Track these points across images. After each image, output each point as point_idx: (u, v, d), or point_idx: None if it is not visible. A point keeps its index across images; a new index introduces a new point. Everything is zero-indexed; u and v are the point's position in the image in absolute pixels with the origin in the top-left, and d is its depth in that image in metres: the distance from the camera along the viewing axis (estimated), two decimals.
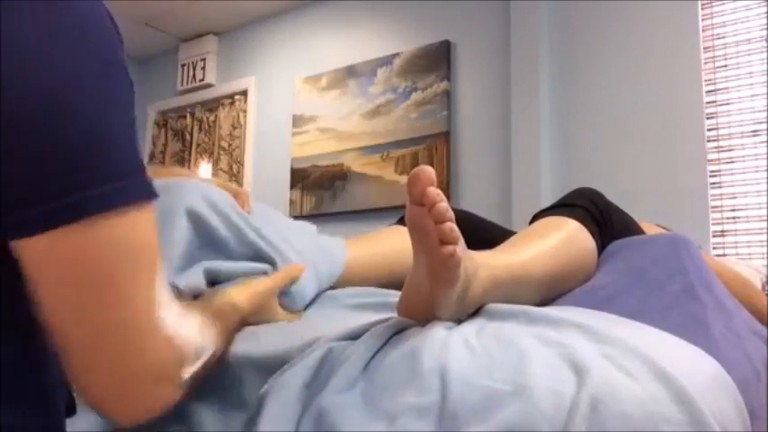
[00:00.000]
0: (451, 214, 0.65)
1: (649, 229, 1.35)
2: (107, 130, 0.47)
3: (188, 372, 0.55)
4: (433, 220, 0.64)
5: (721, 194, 2.62)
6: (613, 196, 1.18)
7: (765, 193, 2.50)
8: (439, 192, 0.65)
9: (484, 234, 1.18)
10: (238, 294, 0.81)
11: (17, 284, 0.48)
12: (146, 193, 0.50)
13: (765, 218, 2.49)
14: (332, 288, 1.04)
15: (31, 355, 0.51)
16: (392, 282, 1.07)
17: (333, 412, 0.59)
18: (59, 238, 0.45)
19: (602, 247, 1.05)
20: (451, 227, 0.64)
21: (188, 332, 0.55)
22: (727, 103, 2.65)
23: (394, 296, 0.79)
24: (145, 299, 0.50)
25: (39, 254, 0.46)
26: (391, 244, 1.12)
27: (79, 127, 0.46)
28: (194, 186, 0.95)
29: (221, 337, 0.64)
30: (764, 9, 2.59)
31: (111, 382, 0.50)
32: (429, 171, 0.65)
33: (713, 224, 2.61)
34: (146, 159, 4.69)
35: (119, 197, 0.47)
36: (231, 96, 4.34)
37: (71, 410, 0.59)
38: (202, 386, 0.63)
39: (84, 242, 0.46)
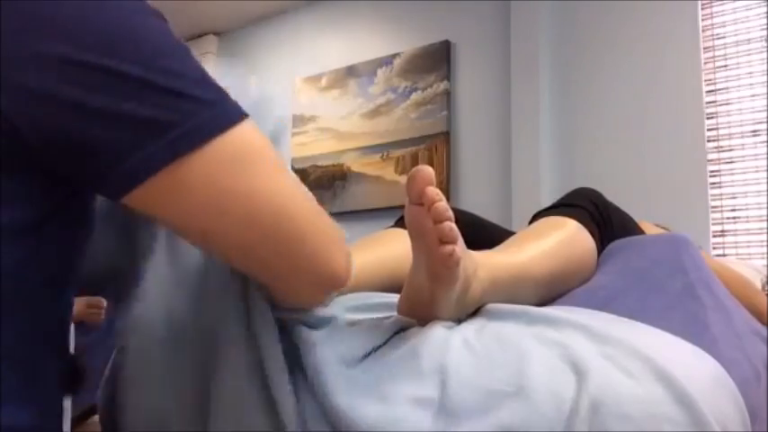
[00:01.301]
0: (451, 214, 0.65)
1: (649, 229, 1.35)
2: (178, 65, 0.50)
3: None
4: (432, 219, 0.64)
5: (721, 194, 2.62)
6: (613, 196, 1.18)
7: (765, 193, 2.50)
8: (438, 191, 0.65)
9: (484, 234, 1.18)
10: None
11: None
12: (236, 114, 0.53)
13: (765, 218, 2.49)
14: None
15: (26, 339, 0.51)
16: (393, 287, 1.06)
17: (327, 376, 0.60)
18: (180, 171, 0.48)
19: (601, 247, 1.05)
20: (451, 226, 0.64)
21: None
22: (727, 103, 2.65)
23: (394, 297, 0.79)
24: (293, 187, 0.54)
25: (165, 195, 0.49)
26: (390, 248, 1.12)
27: (150, 64, 0.48)
28: None
29: None
30: (764, 9, 2.59)
31: (309, 264, 0.55)
32: (428, 171, 0.65)
33: (713, 224, 2.62)
34: None
35: (220, 119, 0.50)
36: None
37: (76, 386, 0.60)
38: None
39: (206, 163, 0.49)
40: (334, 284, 0.58)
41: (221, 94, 0.53)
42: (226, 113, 0.52)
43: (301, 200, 0.55)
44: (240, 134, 0.52)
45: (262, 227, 0.52)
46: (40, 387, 0.52)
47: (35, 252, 0.50)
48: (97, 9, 0.48)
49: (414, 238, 0.69)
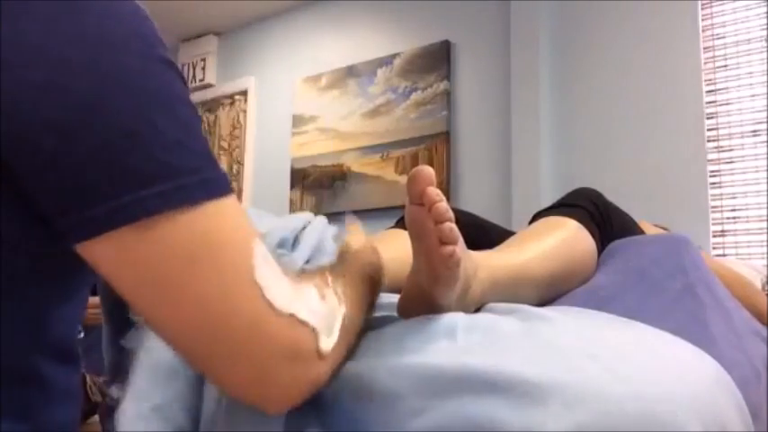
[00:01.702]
0: (451, 214, 0.65)
1: (649, 229, 1.36)
2: (150, 127, 0.45)
3: (327, 343, 0.52)
4: (432, 219, 0.64)
5: (721, 194, 2.62)
6: (613, 196, 1.18)
7: (765, 193, 2.50)
8: (438, 191, 0.65)
9: (484, 234, 1.18)
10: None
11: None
12: (212, 188, 0.47)
13: (765, 218, 2.49)
14: None
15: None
16: (392, 288, 1.06)
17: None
18: (124, 240, 0.44)
19: (601, 247, 1.05)
20: (451, 227, 0.64)
21: (309, 303, 0.51)
22: (727, 103, 2.65)
23: (393, 297, 0.79)
24: (244, 288, 0.47)
25: (107, 256, 0.45)
26: (390, 250, 1.12)
27: (118, 126, 0.44)
28: None
29: (352, 292, 0.61)
30: (764, 9, 2.59)
31: (244, 371, 0.48)
32: (428, 171, 0.65)
33: (713, 224, 2.61)
34: None
35: (177, 195, 0.45)
36: (231, 96, 4.34)
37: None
38: None
39: (153, 242, 0.45)
40: (270, 405, 0.52)
41: (209, 160, 0.48)
42: (206, 184, 0.47)
43: (256, 308, 0.48)
44: (213, 214, 0.47)
45: (197, 327, 0.47)
46: (44, 396, 0.51)
47: (37, 264, 0.49)
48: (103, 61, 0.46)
49: (414, 238, 0.69)
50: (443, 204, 0.64)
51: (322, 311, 0.53)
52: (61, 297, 0.52)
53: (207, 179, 0.47)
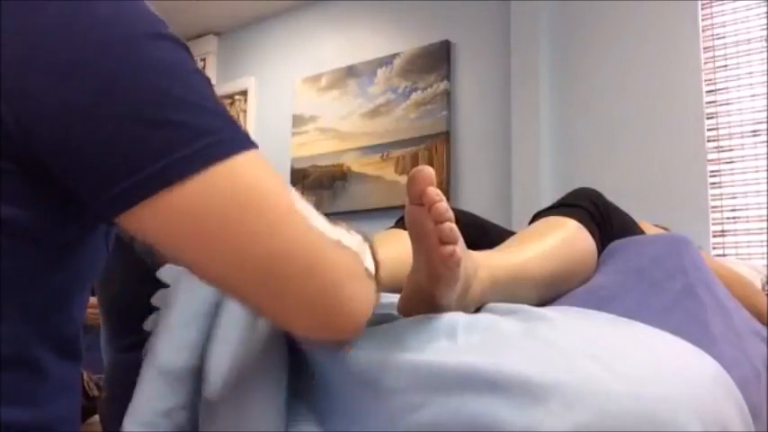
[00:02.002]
0: (451, 214, 0.65)
1: (649, 229, 1.35)
2: (168, 96, 0.48)
3: (369, 262, 0.57)
4: (432, 219, 0.64)
5: (721, 194, 2.62)
6: (613, 196, 1.18)
7: (765, 193, 2.50)
8: (438, 191, 0.65)
9: (484, 234, 1.18)
10: None
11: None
12: (239, 142, 0.50)
13: (765, 218, 2.49)
14: None
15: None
16: (393, 288, 1.06)
17: None
18: (170, 200, 0.46)
19: (601, 247, 1.05)
20: (451, 227, 0.64)
21: (342, 232, 0.55)
22: (727, 103, 2.65)
23: (393, 297, 0.79)
24: (291, 219, 0.50)
25: (157, 220, 0.47)
26: (390, 249, 1.12)
27: (139, 99, 0.47)
28: None
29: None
30: (764, 9, 2.59)
31: (313, 299, 0.50)
32: (428, 171, 0.65)
33: (713, 224, 2.62)
34: None
35: (210, 151, 0.48)
36: (231, 96, 4.34)
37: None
38: None
39: (199, 196, 0.47)
40: (347, 326, 0.55)
41: (228, 120, 0.51)
42: (229, 141, 0.49)
43: (306, 234, 0.51)
44: (242, 164, 0.49)
45: (254, 269, 0.49)
46: (44, 388, 0.52)
47: (39, 255, 0.50)
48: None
49: (414, 238, 0.69)
50: (443, 204, 0.64)
51: (355, 240, 0.57)
52: (66, 291, 0.53)
53: (232, 135, 0.50)
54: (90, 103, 0.46)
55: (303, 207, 0.52)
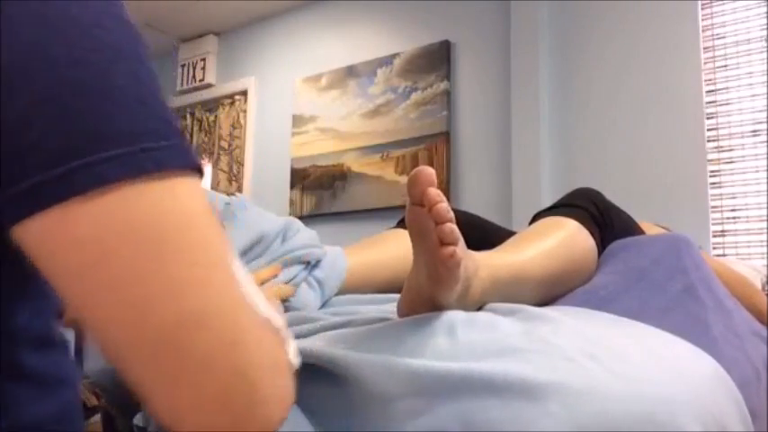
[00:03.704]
0: (452, 215, 0.65)
1: (649, 229, 1.35)
2: (104, 80, 0.37)
3: (294, 353, 0.43)
4: (433, 220, 0.64)
5: (721, 194, 2.62)
6: (613, 196, 1.18)
7: (765, 193, 2.50)
8: (439, 192, 0.65)
9: (484, 234, 1.18)
10: None
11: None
12: (182, 158, 0.38)
13: (765, 218, 2.49)
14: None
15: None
16: (393, 288, 1.07)
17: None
18: (71, 215, 0.35)
19: (602, 247, 1.05)
20: (452, 227, 0.64)
21: (273, 309, 0.42)
22: (727, 103, 2.65)
23: (394, 298, 0.80)
24: (222, 280, 0.37)
25: (49, 237, 0.35)
26: (391, 249, 1.12)
27: (66, 77, 0.36)
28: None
29: None
30: (764, 9, 2.59)
31: (223, 383, 0.36)
32: (429, 171, 0.65)
33: (713, 224, 2.62)
34: None
35: (140, 160, 0.36)
36: (231, 96, 4.34)
37: None
38: None
39: (110, 217, 0.35)
40: (262, 428, 0.38)
41: (176, 130, 0.39)
42: (172, 154, 0.37)
43: (232, 303, 0.38)
44: (179, 189, 0.37)
45: (153, 333, 0.35)
46: (22, 387, 0.43)
47: None
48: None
49: (414, 238, 0.69)
50: (444, 205, 0.64)
51: (282, 323, 0.43)
52: (21, 292, 0.43)
53: (176, 146, 0.38)
54: (9, 71, 0.35)
55: (238, 268, 0.39)
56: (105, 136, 0.35)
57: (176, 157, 0.37)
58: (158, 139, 0.37)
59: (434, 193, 0.64)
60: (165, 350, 0.35)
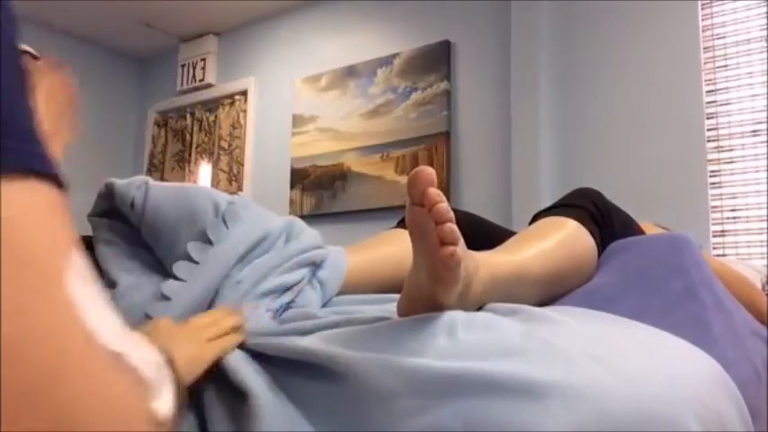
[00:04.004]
0: (452, 215, 0.65)
1: (649, 229, 1.35)
2: None
3: (166, 400, 0.37)
4: (433, 220, 0.64)
5: (721, 194, 2.62)
6: (613, 196, 1.18)
7: (765, 193, 2.50)
8: (439, 192, 0.65)
9: (484, 234, 1.18)
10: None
11: None
12: (16, 158, 0.31)
13: (765, 218, 2.49)
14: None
15: None
16: (393, 288, 1.07)
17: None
18: None
19: (602, 247, 1.05)
20: (452, 227, 0.64)
21: (140, 348, 0.35)
22: (727, 103, 2.65)
23: (394, 298, 0.80)
24: (51, 303, 0.30)
25: None
26: (391, 249, 1.12)
27: None
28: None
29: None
30: (764, 9, 2.59)
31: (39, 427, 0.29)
32: (429, 171, 0.65)
33: (713, 224, 2.62)
34: (146, 159, 4.70)
35: None
36: (231, 96, 4.34)
37: None
38: None
39: None
40: None
41: (17, 129, 0.32)
42: (19, 153, 0.30)
43: (59, 328, 0.30)
44: (13, 193, 0.30)
45: None
46: None
47: None
48: None
49: (415, 238, 0.69)
50: (444, 205, 0.64)
51: (151, 361, 0.36)
52: None
53: (28, 148, 0.31)
54: None
55: (81, 283, 0.32)
56: None
57: (21, 158, 0.31)
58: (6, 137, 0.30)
59: (434, 192, 0.64)
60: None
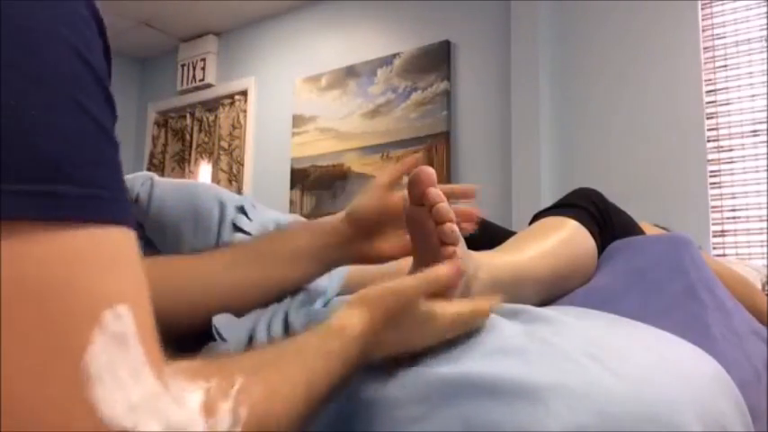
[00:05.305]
0: (452, 215, 0.65)
1: (649, 229, 1.35)
2: (14, 112, 0.31)
3: None
4: (433, 220, 0.64)
5: (721, 194, 2.62)
6: (613, 196, 1.18)
7: (765, 193, 2.50)
8: (439, 192, 0.65)
9: (484, 234, 1.18)
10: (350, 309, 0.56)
11: None
12: (61, 206, 0.31)
13: (765, 218, 2.49)
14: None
15: None
16: None
17: None
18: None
19: (602, 247, 1.05)
20: (452, 227, 0.64)
21: (168, 414, 0.34)
22: (727, 103, 2.65)
23: None
24: (65, 375, 0.31)
25: None
26: None
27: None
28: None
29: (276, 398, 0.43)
30: (764, 9, 2.59)
31: None
32: (430, 172, 0.65)
33: (713, 224, 2.62)
34: (146, 159, 4.70)
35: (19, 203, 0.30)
36: (231, 96, 4.34)
37: None
38: None
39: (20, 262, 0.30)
40: None
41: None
42: (43, 199, 0.31)
43: (67, 411, 0.31)
44: (53, 245, 0.31)
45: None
46: None
47: None
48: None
49: (414, 238, 0.69)
50: (444, 205, 0.64)
51: (190, 426, 0.35)
52: None
53: (50, 192, 0.31)
54: None
55: (105, 356, 0.32)
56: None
57: (47, 205, 0.31)
58: (31, 182, 0.31)
59: (434, 193, 0.64)
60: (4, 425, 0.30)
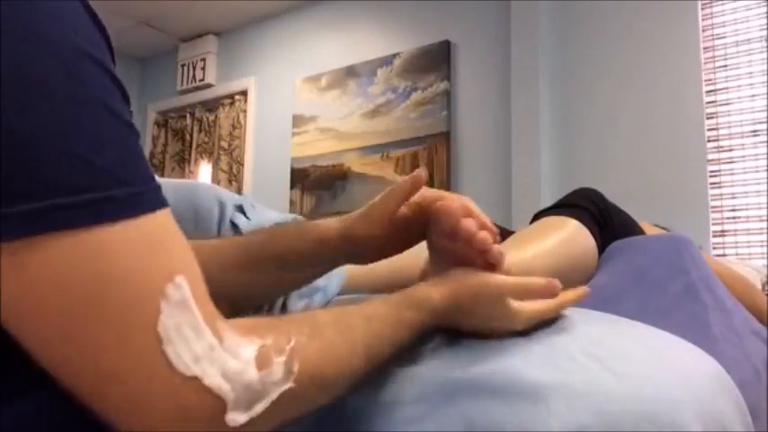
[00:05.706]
0: (494, 232, 0.61)
1: (649, 229, 1.35)
2: (33, 128, 0.36)
3: (240, 417, 0.41)
4: (477, 249, 0.61)
5: (721, 194, 2.62)
6: (613, 196, 1.18)
7: (765, 193, 2.50)
8: (472, 222, 0.60)
9: None
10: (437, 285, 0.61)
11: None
12: (109, 209, 0.38)
13: (765, 218, 2.49)
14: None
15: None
16: (393, 287, 1.06)
17: None
18: (43, 249, 0.36)
19: (602, 247, 1.05)
20: (500, 249, 0.61)
21: (227, 366, 0.41)
22: (727, 103, 2.65)
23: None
24: (140, 340, 0.38)
25: (12, 272, 0.36)
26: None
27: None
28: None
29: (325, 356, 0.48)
30: (764, 9, 2.59)
31: (134, 427, 0.39)
32: (462, 203, 0.61)
33: (713, 224, 2.62)
34: None
35: (49, 216, 0.36)
36: (231, 96, 4.34)
37: None
38: None
39: (24, 273, 0.36)
40: None
41: (111, 178, 0.39)
42: (92, 206, 0.37)
43: (147, 370, 0.39)
44: (109, 240, 0.38)
45: (82, 385, 0.39)
46: None
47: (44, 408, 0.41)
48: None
49: (443, 259, 0.65)
50: (484, 233, 0.60)
51: (246, 379, 0.41)
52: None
53: (107, 198, 0.38)
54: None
55: (171, 321, 0.39)
56: (12, 190, 0.35)
57: (100, 209, 0.38)
58: (82, 192, 0.37)
59: (468, 225, 0.60)
60: (93, 399, 0.39)
